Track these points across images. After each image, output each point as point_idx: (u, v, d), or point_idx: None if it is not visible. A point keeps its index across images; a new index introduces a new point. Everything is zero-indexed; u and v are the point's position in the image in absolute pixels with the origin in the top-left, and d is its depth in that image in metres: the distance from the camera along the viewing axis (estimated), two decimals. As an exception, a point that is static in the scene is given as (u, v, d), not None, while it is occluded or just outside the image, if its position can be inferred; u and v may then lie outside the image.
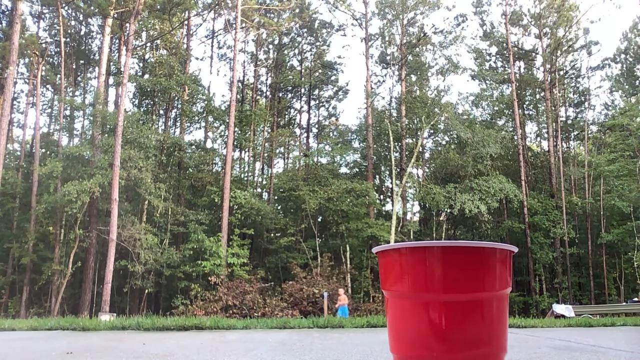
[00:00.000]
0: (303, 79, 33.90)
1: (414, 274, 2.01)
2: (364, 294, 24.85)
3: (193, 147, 29.39)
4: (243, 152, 32.56)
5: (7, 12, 27.32)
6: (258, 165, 33.40)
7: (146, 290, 23.30)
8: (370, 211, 25.87)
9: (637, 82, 34.38)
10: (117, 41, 28.44)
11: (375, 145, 28.76)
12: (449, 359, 1.96)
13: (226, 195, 22.75)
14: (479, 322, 1.97)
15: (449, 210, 26.23)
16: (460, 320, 1.94)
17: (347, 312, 15.86)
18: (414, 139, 28.79)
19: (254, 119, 28.98)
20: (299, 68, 34.88)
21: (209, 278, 20.16)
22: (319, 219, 27.27)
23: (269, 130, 32.82)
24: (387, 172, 29.88)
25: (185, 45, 30.57)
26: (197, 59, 37.21)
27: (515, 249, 2.13)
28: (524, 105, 33.64)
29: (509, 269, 2.11)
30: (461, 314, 1.95)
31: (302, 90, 35.04)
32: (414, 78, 31.94)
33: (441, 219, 29.21)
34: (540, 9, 31.67)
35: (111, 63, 26.89)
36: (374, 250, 2.20)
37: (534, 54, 33.33)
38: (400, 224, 26.30)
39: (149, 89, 27.67)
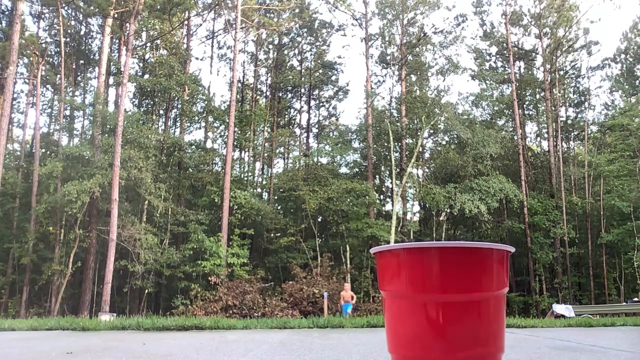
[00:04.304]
0: (303, 79, 33.89)
1: (412, 275, 2.02)
2: (364, 294, 24.84)
3: (193, 147, 29.40)
4: (243, 152, 32.57)
5: (7, 12, 27.35)
6: (258, 165, 33.45)
7: (146, 290, 23.31)
8: (370, 211, 25.87)
9: (637, 82, 34.37)
10: (117, 41, 28.44)
11: (375, 145, 28.76)
12: (446, 359, 1.96)
13: (226, 195, 22.75)
14: (476, 322, 1.98)
15: (449, 210, 26.21)
16: (458, 320, 1.95)
17: (350, 308, 14.83)
18: (414, 139, 28.78)
19: (253, 119, 28.98)
20: (299, 68, 34.87)
21: (209, 278, 20.16)
22: (319, 219, 27.26)
23: (269, 130, 32.82)
24: (387, 172, 29.88)
25: (185, 45, 30.58)
26: (197, 59, 37.26)
27: (512, 249, 2.14)
28: (524, 105, 33.63)
29: (506, 269, 2.12)
30: (459, 314, 1.96)
31: (302, 90, 35.03)
32: (414, 78, 31.94)
33: (441, 219, 29.19)
34: (540, 9, 31.65)
35: (111, 63, 26.90)
36: (372, 251, 2.21)
37: (534, 54, 33.33)
38: (400, 224, 26.30)
39: (149, 89, 27.67)
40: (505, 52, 32.25)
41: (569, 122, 34.60)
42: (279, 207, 28.77)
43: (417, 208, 33.74)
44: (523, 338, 6.67)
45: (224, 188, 22.99)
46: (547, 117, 30.87)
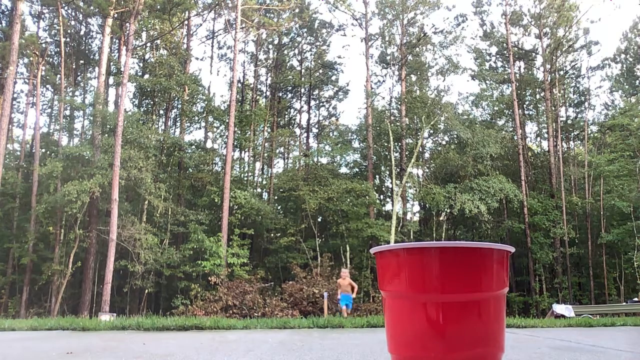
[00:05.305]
0: (303, 79, 33.89)
1: (412, 275, 2.02)
2: (364, 294, 24.83)
3: (193, 147, 29.39)
4: (243, 152, 32.56)
5: (7, 12, 27.36)
6: (258, 165, 33.45)
7: (146, 290, 23.31)
8: (370, 211, 25.87)
9: (637, 82, 34.38)
10: (117, 41, 28.44)
11: (375, 145, 28.76)
12: (446, 359, 1.96)
13: (226, 195, 22.75)
14: (476, 322, 1.98)
15: (449, 210, 26.22)
16: (458, 320, 1.95)
17: (349, 301, 12.47)
18: (414, 139, 28.79)
19: (254, 119, 28.98)
20: (299, 68, 34.87)
21: (209, 278, 20.15)
22: (319, 219, 27.26)
23: (269, 130, 32.82)
24: (387, 172, 29.88)
25: (185, 45, 30.58)
26: (197, 59, 37.23)
27: (512, 249, 2.14)
28: (524, 105, 33.64)
29: (506, 269, 2.12)
30: (459, 314, 1.96)
31: (302, 90, 35.03)
32: (414, 78, 31.93)
33: (441, 219, 29.20)
34: (540, 9, 31.66)
35: (111, 63, 26.89)
36: (372, 250, 2.21)
37: (534, 54, 33.33)
38: (400, 224, 26.30)
39: (149, 89, 27.67)
40: (505, 52, 32.25)
41: (569, 122, 34.60)
42: (279, 207, 28.77)
43: (417, 208, 33.79)
44: (523, 338, 6.67)
45: (224, 188, 22.99)
46: (547, 117, 30.87)
